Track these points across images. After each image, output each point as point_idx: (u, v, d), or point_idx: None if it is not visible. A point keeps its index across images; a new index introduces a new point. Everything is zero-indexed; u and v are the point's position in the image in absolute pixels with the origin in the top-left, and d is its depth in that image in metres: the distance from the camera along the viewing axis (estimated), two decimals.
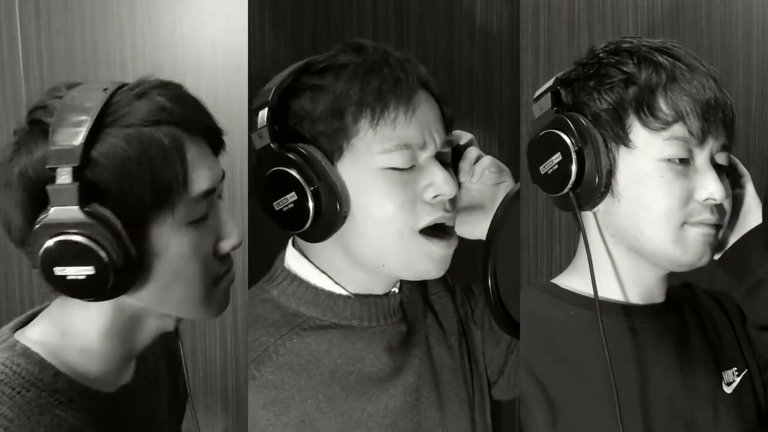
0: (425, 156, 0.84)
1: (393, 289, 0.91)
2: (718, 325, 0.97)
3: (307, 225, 0.81)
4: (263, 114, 0.82)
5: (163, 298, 0.73)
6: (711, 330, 0.96)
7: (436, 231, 0.85)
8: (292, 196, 0.81)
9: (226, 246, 0.75)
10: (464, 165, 0.93)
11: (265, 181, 0.83)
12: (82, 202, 0.65)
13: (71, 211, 0.64)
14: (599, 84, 0.86)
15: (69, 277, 0.66)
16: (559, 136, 0.85)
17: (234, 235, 0.75)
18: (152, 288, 0.71)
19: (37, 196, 0.66)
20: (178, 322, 0.80)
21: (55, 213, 0.65)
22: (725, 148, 0.86)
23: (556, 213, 1.36)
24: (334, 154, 0.82)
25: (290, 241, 0.92)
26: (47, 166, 0.65)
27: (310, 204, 0.80)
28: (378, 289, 0.90)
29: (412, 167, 0.83)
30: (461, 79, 1.33)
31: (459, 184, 0.91)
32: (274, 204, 0.83)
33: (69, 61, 1.34)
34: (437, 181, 0.83)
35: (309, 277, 0.88)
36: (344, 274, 0.88)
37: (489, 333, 1.00)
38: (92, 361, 0.74)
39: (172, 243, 0.70)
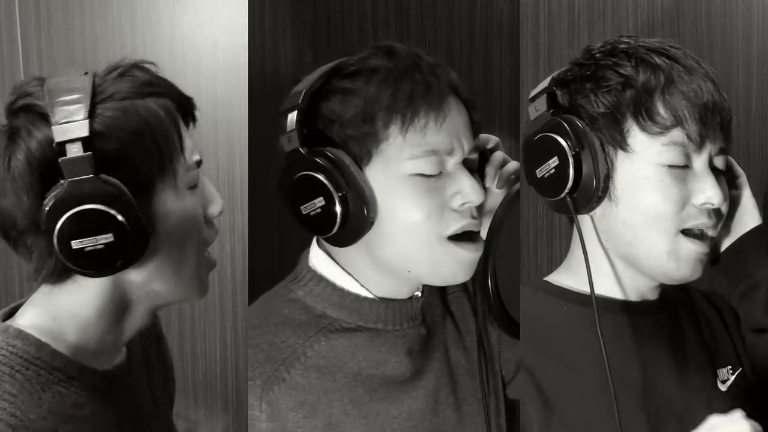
0: (453, 162, 0.83)
1: (416, 293, 0.91)
2: (712, 324, 0.97)
3: (335, 230, 0.81)
4: (292, 117, 0.82)
5: (162, 269, 0.74)
6: (706, 328, 0.96)
7: (463, 236, 0.84)
8: (319, 201, 0.81)
9: (213, 211, 0.78)
10: (490, 170, 0.92)
11: (292, 185, 0.83)
12: (96, 172, 0.66)
13: (87, 181, 0.66)
14: (596, 86, 0.85)
15: (87, 249, 0.67)
16: (556, 139, 0.84)
17: (218, 201, 0.79)
18: (155, 257, 0.73)
19: (46, 177, 0.66)
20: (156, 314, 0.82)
21: (70, 185, 0.65)
22: (723, 152, 0.86)
23: (556, 213, 1.36)
24: (363, 158, 0.82)
25: (314, 241, 0.92)
26: (56, 142, 0.65)
27: (338, 209, 0.80)
28: (402, 293, 0.89)
29: (439, 174, 0.82)
30: (461, 80, 1.33)
31: (485, 189, 0.91)
32: (302, 208, 0.83)
33: (69, 61, 1.34)
34: (465, 188, 0.83)
35: (335, 278, 0.88)
36: (369, 278, 0.87)
37: (505, 334, 1.00)
38: (86, 344, 0.75)
39: (176, 207, 0.73)
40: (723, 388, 0.92)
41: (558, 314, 0.89)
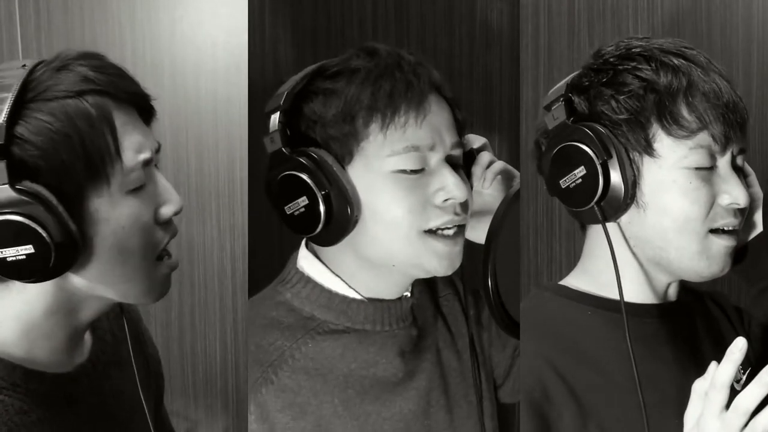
0: (435, 159, 0.83)
1: (405, 294, 0.91)
2: (720, 324, 0.97)
3: (319, 229, 0.82)
4: (275, 118, 0.82)
5: (105, 276, 0.71)
6: (716, 329, 0.96)
7: (443, 230, 0.84)
8: (303, 201, 0.81)
9: (166, 212, 0.74)
10: (477, 170, 0.92)
11: (276, 185, 0.83)
12: (12, 180, 0.63)
13: (2, 190, 0.63)
14: (617, 92, 0.83)
15: (9, 259, 0.65)
16: (582, 148, 0.83)
17: (174, 200, 0.74)
18: (95, 265, 0.70)
19: None
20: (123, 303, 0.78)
21: None
22: (742, 151, 0.86)
23: (556, 213, 1.36)
24: (344, 158, 0.82)
25: (303, 242, 0.92)
26: None
27: (321, 208, 0.81)
28: (390, 294, 0.89)
29: (422, 170, 0.82)
30: (461, 80, 1.33)
31: (471, 188, 0.91)
32: (286, 208, 0.83)
33: None
34: (448, 184, 0.83)
35: (323, 280, 0.88)
36: (357, 278, 0.88)
37: (496, 337, 1.00)
38: (36, 343, 0.72)
39: (112, 215, 0.69)
40: (738, 387, 0.92)
41: (582, 319, 0.89)
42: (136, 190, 0.71)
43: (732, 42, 1.45)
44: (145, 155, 0.72)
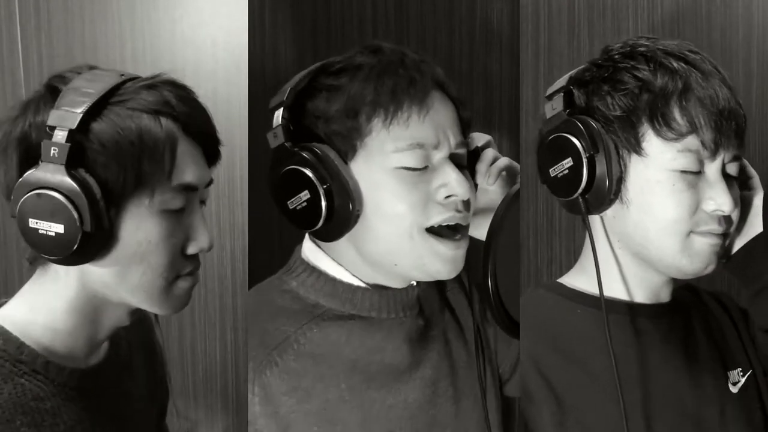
0: (439, 156, 0.84)
1: (411, 282, 0.91)
2: (722, 326, 0.97)
3: (320, 224, 0.82)
4: (279, 113, 0.83)
5: (121, 279, 0.75)
6: (716, 330, 0.96)
7: (446, 230, 0.84)
8: (305, 195, 0.82)
9: (193, 247, 0.77)
10: (481, 167, 0.93)
11: (279, 180, 0.84)
12: (70, 164, 0.68)
13: (57, 169, 0.68)
14: (613, 89, 0.85)
15: (40, 231, 0.70)
16: (571, 141, 0.84)
17: (201, 240, 0.78)
18: (114, 265, 0.74)
19: (34, 155, 0.70)
20: (137, 314, 0.81)
21: (42, 168, 0.69)
22: (736, 158, 0.86)
23: (556, 213, 1.36)
24: (347, 153, 0.82)
25: (307, 234, 0.92)
26: (47, 125, 0.69)
27: (323, 203, 0.81)
28: (396, 284, 0.90)
29: (425, 168, 0.83)
30: (461, 79, 1.33)
31: (475, 186, 0.91)
32: (288, 202, 0.83)
33: (69, 61, 1.34)
34: (450, 181, 0.83)
35: (327, 268, 0.88)
36: (361, 272, 0.88)
37: (501, 332, 1.00)
38: (57, 338, 0.76)
39: (142, 226, 0.73)
40: (734, 390, 0.92)
41: (573, 317, 0.89)
42: (172, 213, 0.75)
43: (732, 42, 1.45)
44: (191, 181, 0.76)
